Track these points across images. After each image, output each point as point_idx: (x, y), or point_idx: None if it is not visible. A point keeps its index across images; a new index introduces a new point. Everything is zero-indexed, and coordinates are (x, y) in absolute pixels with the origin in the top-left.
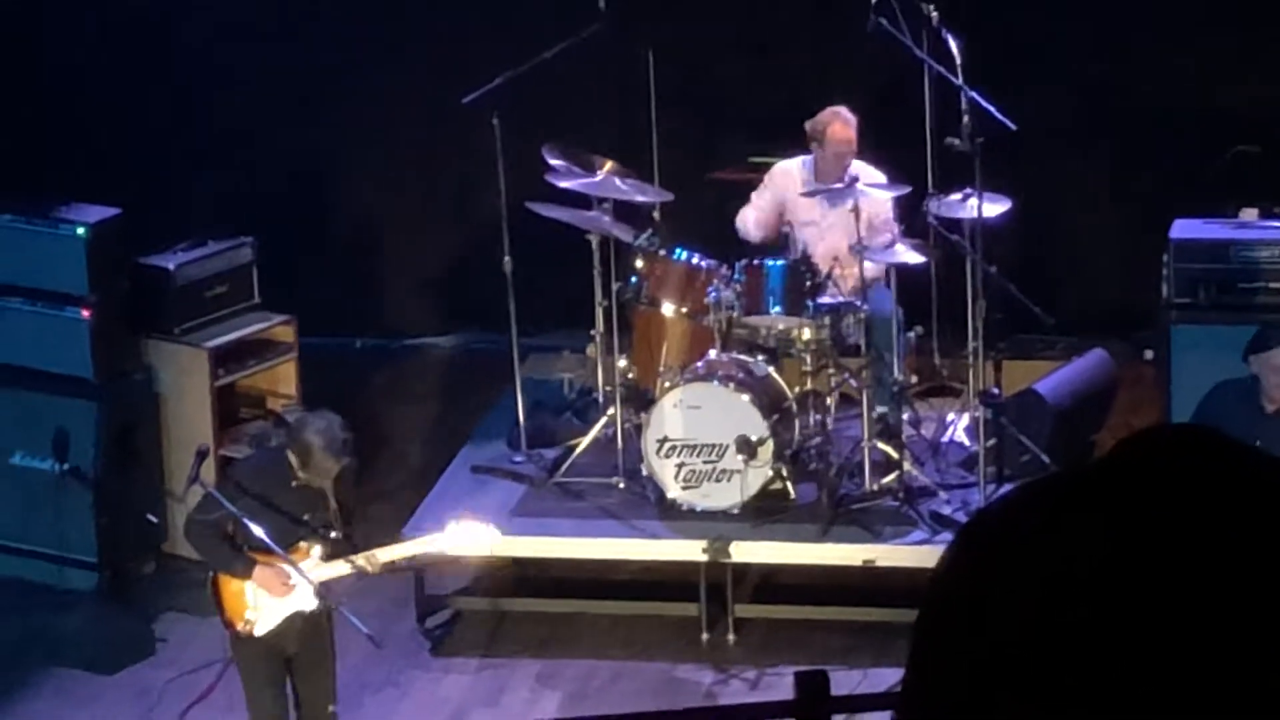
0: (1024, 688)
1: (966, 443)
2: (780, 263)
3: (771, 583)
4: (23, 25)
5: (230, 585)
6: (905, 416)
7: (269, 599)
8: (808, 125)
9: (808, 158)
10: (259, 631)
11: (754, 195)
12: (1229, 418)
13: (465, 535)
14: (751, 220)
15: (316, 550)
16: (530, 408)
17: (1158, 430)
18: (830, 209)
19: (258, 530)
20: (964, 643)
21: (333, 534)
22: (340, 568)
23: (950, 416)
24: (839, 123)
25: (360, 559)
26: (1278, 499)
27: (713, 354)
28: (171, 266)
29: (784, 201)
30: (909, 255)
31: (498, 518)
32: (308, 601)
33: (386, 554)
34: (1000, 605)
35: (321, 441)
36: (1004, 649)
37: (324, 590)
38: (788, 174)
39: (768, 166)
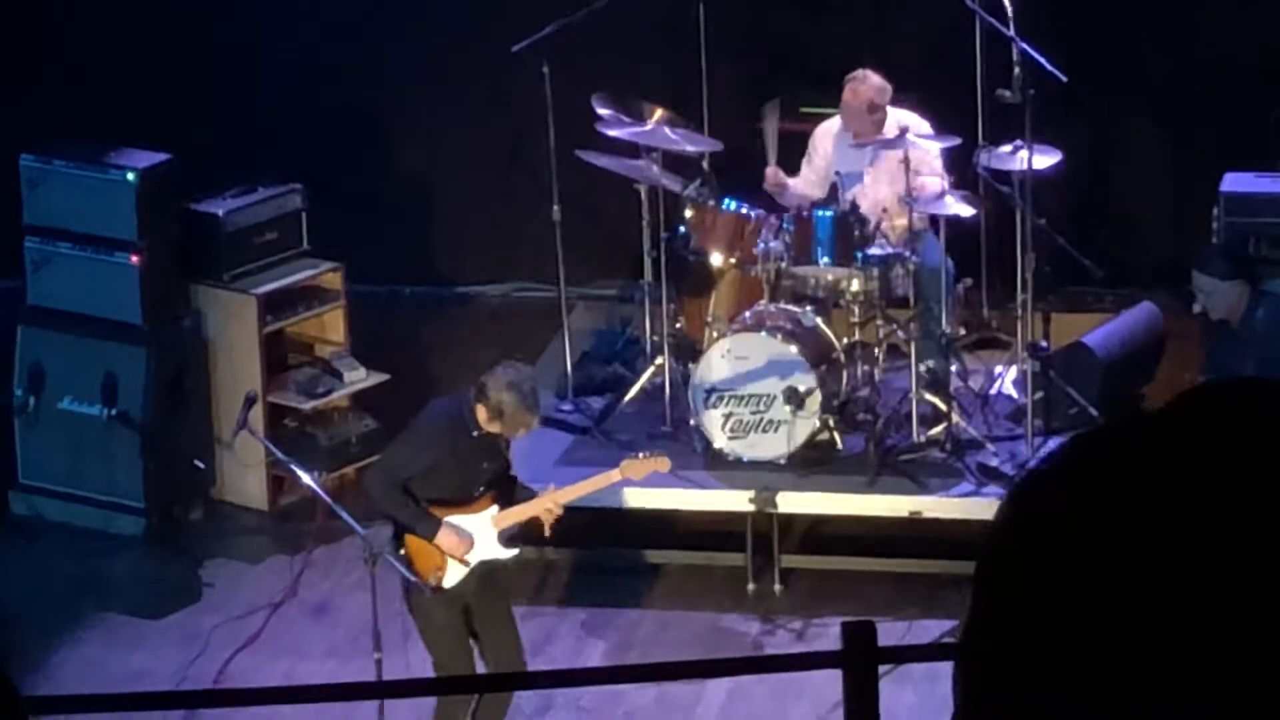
0: (1073, 647)
1: (1014, 395)
2: (829, 213)
3: (818, 533)
4: None
5: (418, 540)
6: (953, 368)
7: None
8: None
9: None
10: (448, 583)
11: (803, 165)
12: (1208, 331)
13: (639, 469)
14: (796, 190)
15: (491, 500)
16: (578, 357)
17: (1213, 386)
18: (876, 160)
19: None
20: (1016, 600)
21: (512, 481)
22: (520, 513)
23: (998, 369)
24: (849, 88)
25: (539, 502)
26: None
27: (761, 304)
28: (221, 212)
29: (829, 157)
30: (958, 207)
31: (544, 466)
32: (493, 550)
33: (565, 495)
34: (1055, 563)
35: (516, 397)
36: (1056, 607)
37: (374, 537)
38: (829, 132)
39: (819, 117)
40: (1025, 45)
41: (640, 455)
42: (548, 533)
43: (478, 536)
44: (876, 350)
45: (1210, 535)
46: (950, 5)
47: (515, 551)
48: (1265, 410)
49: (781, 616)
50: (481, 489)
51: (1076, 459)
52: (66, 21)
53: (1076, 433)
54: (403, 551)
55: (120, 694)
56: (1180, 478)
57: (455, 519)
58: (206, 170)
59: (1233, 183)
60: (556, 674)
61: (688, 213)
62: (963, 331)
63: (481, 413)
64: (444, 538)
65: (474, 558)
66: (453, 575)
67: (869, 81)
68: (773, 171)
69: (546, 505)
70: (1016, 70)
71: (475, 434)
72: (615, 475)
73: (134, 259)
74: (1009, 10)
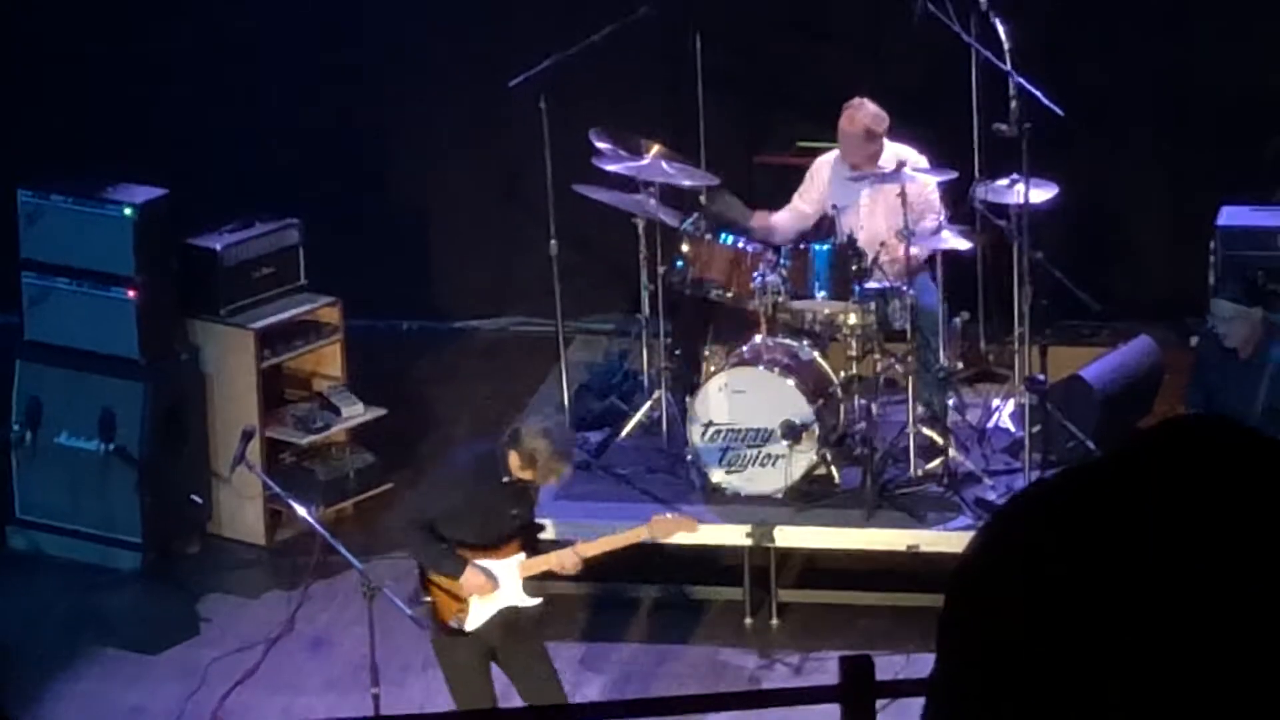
0: (1035, 677)
1: (1012, 429)
2: (826, 247)
3: (815, 567)
4: (69, 6)
5: (442, 581)
6: (950, 402)
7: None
8: None
9: None
10: (469, 627)
11: (795, 197)
12: (1211, 363)
13: (667, 528)
14: (784, 226)
15: (518, 547)
16: (575, 391)
17: (1176, 422)
18: (873, 194)
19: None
20: (982, 631)
21: (538, 528)
22: (545, 562)
23: (996, 402)
24: (845, 115)
25: (565, 554)
26: None
27: (758, 338)
28: (218, 247)
29: (828, 192)
30: (955, 240)
31: (543, 500)
32: (516, 597)
33: (590, 549)
34: (1018, 595)
35: (549, 445)
36: (1018, 638)
37: (371, 571)
38: (828, 165)
39: (815, 151)
40: (1022, 79)
41: (670, 515)
42: (560, 571)
43: (503, 581)
44: (874, 384)
45: (1183, 572)
46: (947, 40)
47: (539, 600)
48: (1224, 450)
49: (779, 650)
50: (508, 535)
51: (1040, 500)
52: (64, 56)
53: (1045, 472)
54: (428, 598)
55: None
56: (1149, 515)
57: (481, 562)
58: (204, 205)
59: (1229, 216)
60: (554, 709)
61: (685, 246)
62: (960, 365)
63: (514, 459)
64: (469, 577)
65: (498, 601)
66: (475, 618)
67: (865, 109)
68: (759, 216)
69: (568, 557)
70: (1013, 104)
71: (505, 480)
72: (643, 533)
73: (131, 294)
74: (1006, 44)
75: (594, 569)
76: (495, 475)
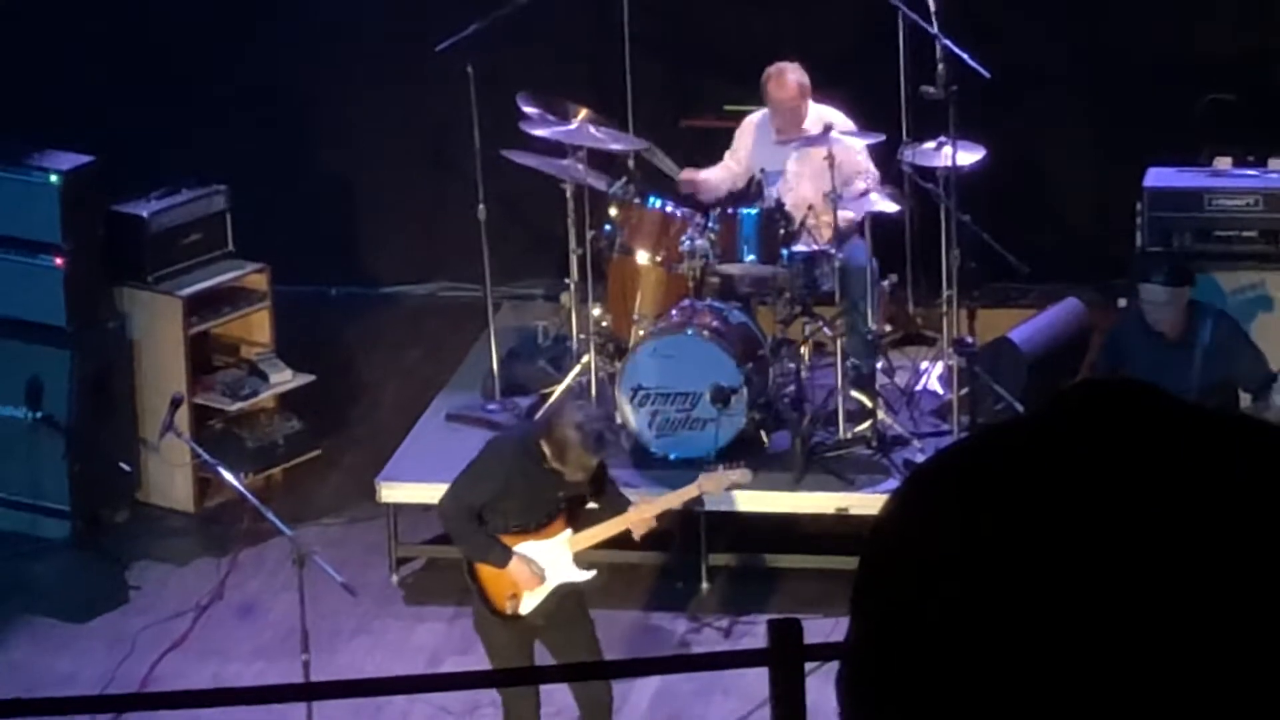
0: (949, 639)
1: (940, 391)
2: (754, 211)
3: (745, 531)
4: None
5: (490, 567)
6: (879, 365)
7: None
8: None
9: None
10: (524, 610)
11: (726, 155)
12: (1132, 346)
13: (717, 483)
14: (712, 182)
15: (564, 523)
16: (504, 356)
17: (1094, 384)
18: (800, 157)
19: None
20: (896, 592)
21: (586, 505)
22: (598, 534)
23: (924, 365)
24: (773, 82)
25: (623, 521)
26: (1212, 458)
27: (686, 302)
28: (145, 214)
29: (754, 153)
30: (883, 203)
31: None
32: (568, 574)
33: (650, 509)
34: (933, 558)
35: (579, 437)
36: (933, 600)
37: (300, 538)
38: (754, 126)
39: (742, 114)
40: (948, 41)
41: (720, 468)
42: (636, 538)
43: (552, 561)
44: (803, 348)
45: (1100, 532)
46: (873, 2)
47: (592, 574)
48: (1143, 414)
49: (708, 615)
50: (551, 515)
51: (957, 460)
52: None
53: (963, 434)
54: (468, 576)
55: (47, 698)
56: (1065, 475)
57: (528, 546)
58: (130, 172)
59: (1155, 177)
60: (483, 674)
61: (613, 211)
62: (888, 328)
63: (546, 449)
64: (515, 567)
65: (550, 583)
66: (528, 602)
67: (793, 70)
68: (686, 174)
69: (635, 520)
70: (940, 66)
71: (545, 465)
72: (693, 490)
73: (58, 261)
74: (932, 6)
75: None
76: (535, 459)
